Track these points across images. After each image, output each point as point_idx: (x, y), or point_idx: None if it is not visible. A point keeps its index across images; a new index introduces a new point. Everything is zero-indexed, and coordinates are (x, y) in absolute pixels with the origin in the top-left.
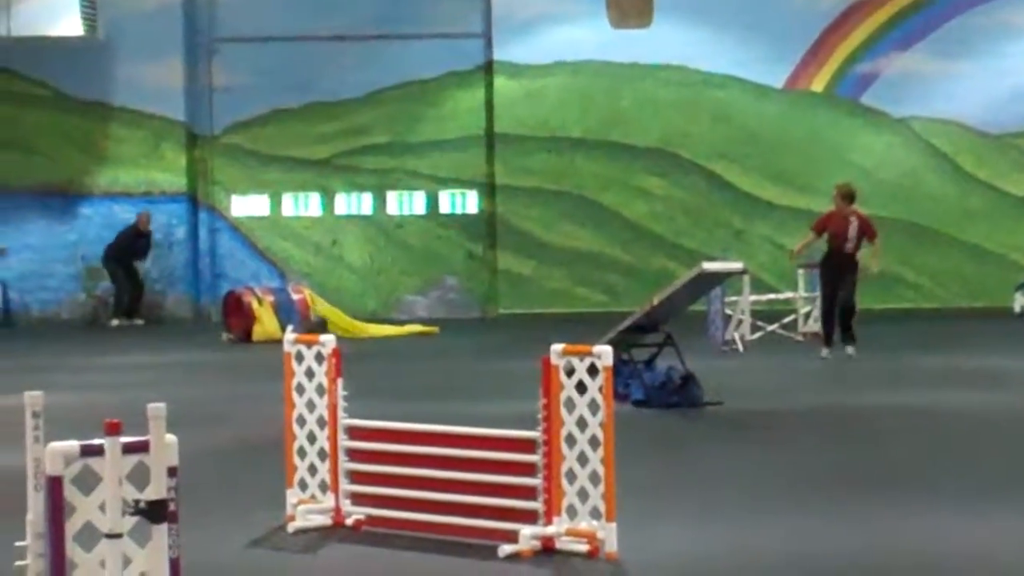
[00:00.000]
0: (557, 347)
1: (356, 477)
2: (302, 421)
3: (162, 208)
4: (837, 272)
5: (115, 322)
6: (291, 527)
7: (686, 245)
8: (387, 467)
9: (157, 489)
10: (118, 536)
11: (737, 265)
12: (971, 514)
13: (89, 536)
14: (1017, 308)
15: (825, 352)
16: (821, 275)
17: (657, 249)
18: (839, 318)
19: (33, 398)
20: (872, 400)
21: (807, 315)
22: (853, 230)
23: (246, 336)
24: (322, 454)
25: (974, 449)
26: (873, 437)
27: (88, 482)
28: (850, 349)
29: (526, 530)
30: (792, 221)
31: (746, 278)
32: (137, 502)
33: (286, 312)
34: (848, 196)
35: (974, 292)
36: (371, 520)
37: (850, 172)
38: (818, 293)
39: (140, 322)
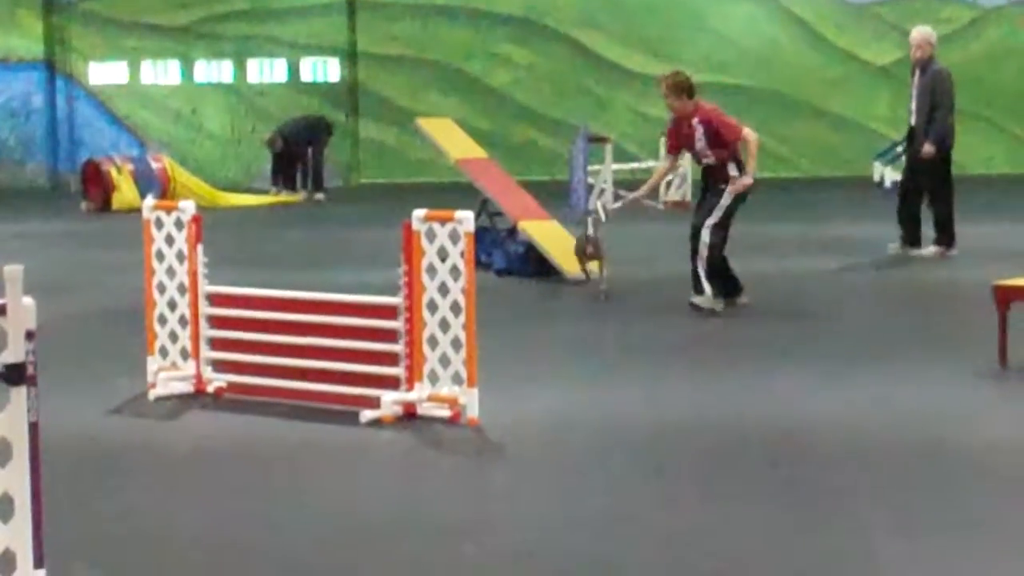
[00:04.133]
0: (419, 212)
1: (217, 344)
2: (162, 288)
3: (19, 75)
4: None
5: None
6: (152, 394)
7: (550, 115)
8: (248, 334)
9: (15, 352)
10: None
11: (601, 135)
12: (827, 377)
13: None
14: (876, 177)
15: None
16: None
17: (521, 118)
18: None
19: None
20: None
21: (668, 184)
22: (700, 137)
23: (105, 205)
24: (183, 321)
25: (830, 314)
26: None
27: None
28: (698, 300)
29: (387, 396)
30: (653, 90)
31: (609, 147)
32: None
33: (146, 181)
34: (684, 88)
35: (835, 162)
36: (233, 387)
37: (712, 40)
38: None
39: None
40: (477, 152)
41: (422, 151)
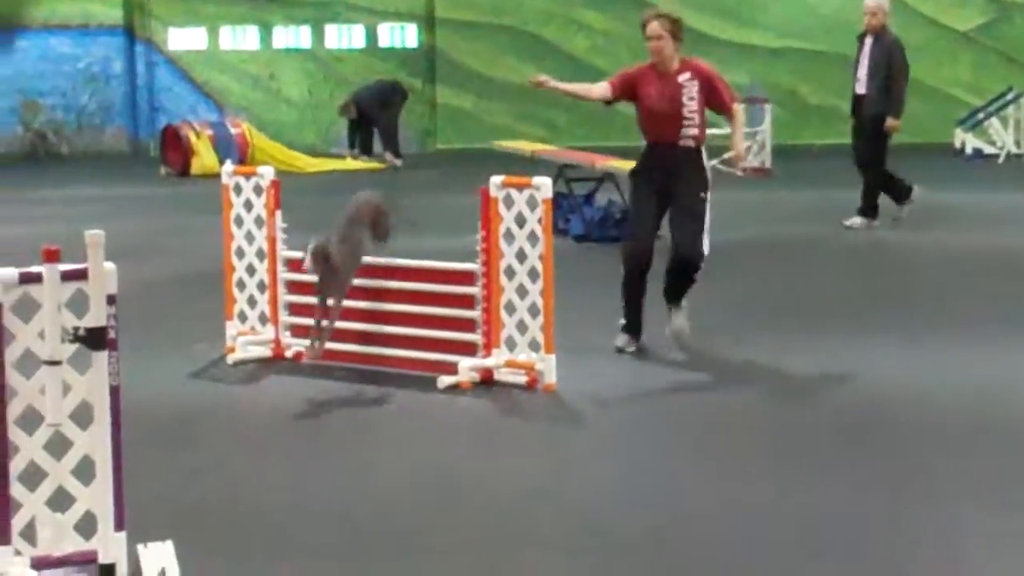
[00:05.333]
0: (497, 179)
1: (296, 309)
2: (241, 253)
3: (98, 41)
4: (662, 183)
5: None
6: (231, 359)
7: None
8: None
9: (96, 316)
10: (57, 363)
11: None
12: (905, 344)
13: (29, 363)
14: (958, 144)
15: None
16: (631, 188)
17: None
18: (669, 278)
19: None
20: (812, 232)
21: (748, 149)
22: (692, 96)
23: (184, 170)
24: (261, 286)
25: (910, 283)
26: (815, 270)
27: (28, 310)
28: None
29: (465, 362)
30: (734, 56)
31: None
32: (76, 329)
33: (224, 146)
34: (681, 33)
35: (915, 129)
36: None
37: (790, 6)
38: (757, 130)
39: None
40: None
41: (498, 117)
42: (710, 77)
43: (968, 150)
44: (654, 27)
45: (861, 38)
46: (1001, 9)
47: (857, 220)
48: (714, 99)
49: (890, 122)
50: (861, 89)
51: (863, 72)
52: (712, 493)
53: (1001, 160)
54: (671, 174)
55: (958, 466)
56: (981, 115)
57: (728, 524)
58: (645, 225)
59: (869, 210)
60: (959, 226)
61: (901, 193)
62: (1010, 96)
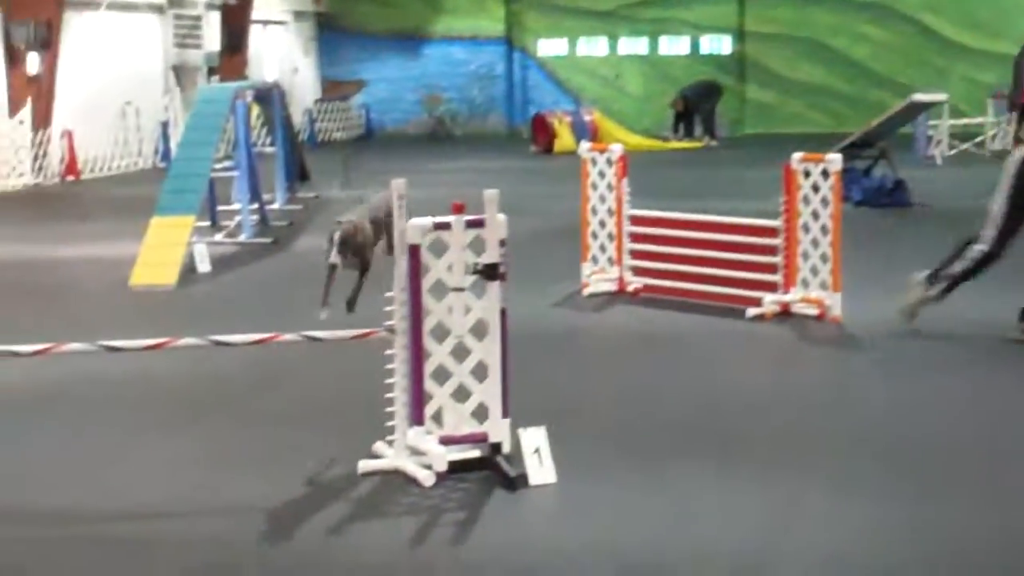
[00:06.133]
0: (797, 155)
1: (636, 255)
2: (595, 211)
3: (485, 49)
4: None
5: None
6: (585, 292)
7: (898, 80)
8: (660, 247)
9: (491, 255)
10: (461, 290)
11: (941, 96)
12: None
13: (439, 290)
14: None
15: None
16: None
17: (875, 83)
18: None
19: (398, 184)
20: None
21: (994, 136)
22: None
23: (549, 149)
24: (610, 237)
25: None
26: None
27: (439, 250)
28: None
29: (768, 297)
30: (985, 62)
31: (946, 106)
32: (476, 264)
33: (580, 129)
34: None
35: None
36: (647, 288)
37: None
38: (1003, 119)
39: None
40: None
41: (795, 108)
42: None
43: None
44: None
45: None
46: None
47: None
48: None
49: None
50: None
51: None
52: (968, 402)
53: None
54: None
55: None
56: None
57: (985, 431)
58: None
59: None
60: None
61: None
62: None
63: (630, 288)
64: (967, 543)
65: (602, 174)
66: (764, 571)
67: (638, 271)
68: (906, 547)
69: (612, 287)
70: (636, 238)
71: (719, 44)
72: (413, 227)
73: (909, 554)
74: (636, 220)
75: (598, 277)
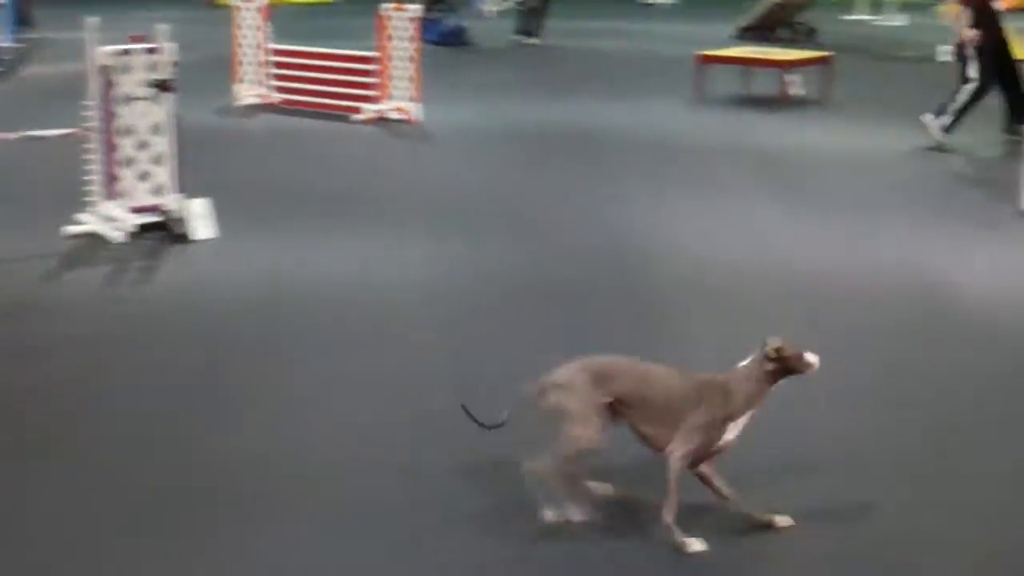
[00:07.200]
0: (386, 4)
1: (276, 77)
2: (240, 45)
3: None
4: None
5: None
6: (237, 103)
7: None
8: (294, 72)
9: (164, 72)
10: (143, 99)
11: None
12: None
13: (128, 100)
14: None
15: None
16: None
17: None
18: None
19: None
20: None
21: None
22: None
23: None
24: (256, 64)
25: None
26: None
27: (126, 69)
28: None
29: (368, 107)
30: None
31: None
32: (153, 80)
33: None
34: None
35: None
36: (284, 101)
37: None
38: None
39: None
40: None
41: None
42: None
43: None
44: None
45: None
46: None
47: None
48: None
49: None
50: None
51: None
52: (500, 169)
53: None
54: None
55: None
56: None
57: (519, 186)
58: None
59: None
60: None
61: None
62: None
63: (272, 100)
64: (500, 265)
65: (249, 19)
66: (367, 289)
67: (278, 89)
68: (466, 271)
69: (259, 100)
70: (277, 65)
71: None
72: (102, 52)
73: (464, 278)
74: (277, 52)
75: (247, 93)
